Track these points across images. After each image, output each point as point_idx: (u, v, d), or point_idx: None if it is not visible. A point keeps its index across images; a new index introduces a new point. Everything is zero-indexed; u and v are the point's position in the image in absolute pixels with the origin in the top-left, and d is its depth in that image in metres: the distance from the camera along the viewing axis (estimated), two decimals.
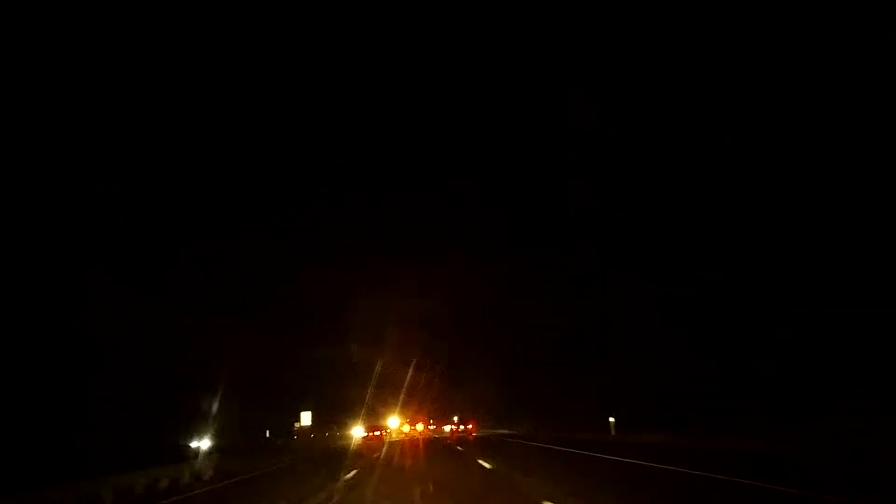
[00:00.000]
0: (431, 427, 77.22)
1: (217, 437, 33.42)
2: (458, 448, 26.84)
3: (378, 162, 39.78)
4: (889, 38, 17.27)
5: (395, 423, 65.46)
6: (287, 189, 43.82)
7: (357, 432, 55.27)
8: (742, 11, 20.49)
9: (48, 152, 25.43)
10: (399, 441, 48.33)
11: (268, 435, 47.67)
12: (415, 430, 69.67)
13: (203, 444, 29.33)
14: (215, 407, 30.53)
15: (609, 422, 26.53)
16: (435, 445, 33.26)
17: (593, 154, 29.52)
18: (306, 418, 48.82)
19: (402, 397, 60.95)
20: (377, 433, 56.05)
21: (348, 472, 16.16)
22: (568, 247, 37.62)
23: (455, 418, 67.02)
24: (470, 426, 60.74)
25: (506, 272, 49.46)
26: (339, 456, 26.90)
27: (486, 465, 16.40)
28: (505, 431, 56.86)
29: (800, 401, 18.95)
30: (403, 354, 54.68)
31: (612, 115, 27.69)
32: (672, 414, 25.29)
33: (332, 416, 64.24)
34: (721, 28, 21.48)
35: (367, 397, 50.22)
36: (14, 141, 24.18)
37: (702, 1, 21.25)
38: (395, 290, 56.05)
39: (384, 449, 31.32)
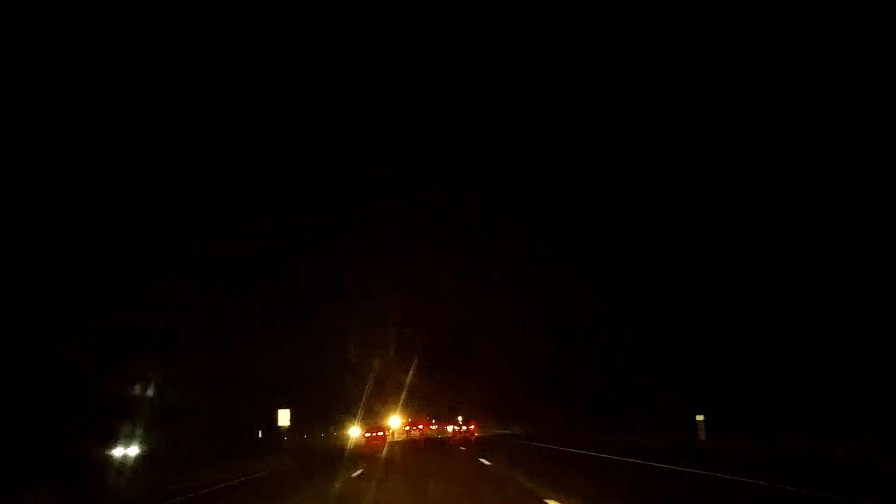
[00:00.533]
0: (433, 427, 77.19)
1: (205, 440, 31.93)
2: (484, 462, 17.57)
3: (378, 162, 39.79)
4: (889, 38, 17.27)
5: (396, 423, 65.38)
6: (288, 189, 43.85)
7: (354, 432, 54.23)
8: (742, 12, 20.49)
9: (49, 153, 25.62)
10: (400, 441, 48.13)
11: (260, 435, 46.19)
12: (416, 430, 69.62)
13: (131, 451, 23.09)
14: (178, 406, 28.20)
15: (697, 421, 20.02)
16: (441, 450, 27.69)
17: (593, 154, 29.52)
18: (284, 417, 41.93)
19: (402, 397, 60.91)
20: (380, 433, 55.93)
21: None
22: (568, 246, 37.65)
23: (459, 418, 66.75)
24: (472, 426, 60.69)
25: (507, 271, 49.53)
26: (332, 460, 23.39)
27: None
28: (508, 431, 56.72)
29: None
30: (404, 354, 54.78)
31: (612, 115, 27.74)
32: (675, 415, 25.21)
33: (331, 416, 63.45)
34: (722, 29, 21.48)
35: (364, 397, 49.20)
36: (15, 142, 24.33)
37: (702, 1, 21.24)
38: (396, 290, 56.11)
39: (384, 451, 29.29)
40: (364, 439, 53.12)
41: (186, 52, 27.48)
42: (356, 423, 56.53)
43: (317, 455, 30.59)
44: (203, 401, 32.31)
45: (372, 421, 63.73)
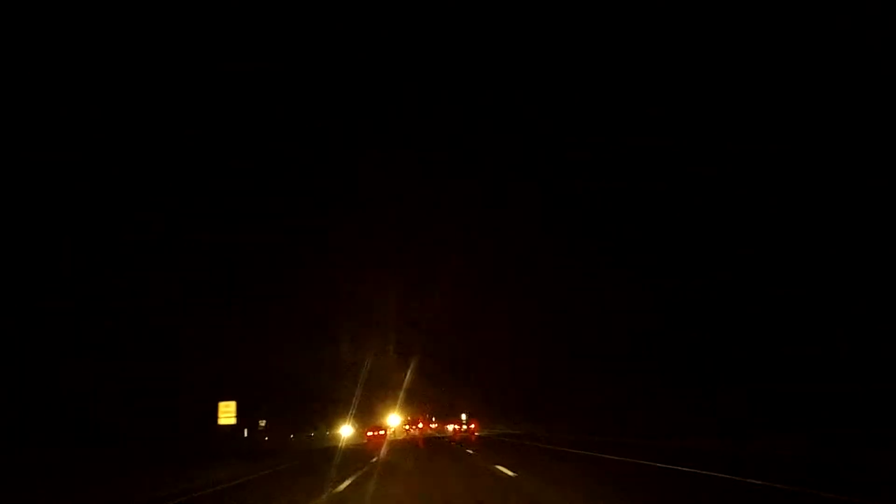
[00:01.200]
0: (433, 426, 77.05)
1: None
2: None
3: (378, 162, 39.78)
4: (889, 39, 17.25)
5: (395, 422, 65.01)
6: (288, 189, 43.85)
7: (346, 431, 52.45)
8: (742, 11, 20.48)
9: (52, 153, 25.76)
10: (399, 440, 47.99)
11: (245, 435, 41.24)
12: (416, 429, 69.36)
13: None
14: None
15: None
16: (450, 457, 21.16)
17: (593, 154, 29.49)
18: (228, 412, 29.28)
19: (401, 396, 60.63)
20: (382, 432, 56.12)
21: None
22: (571, 245, 37.65)
23: (463, 416, 65.91)
24: (472, 426, 60.50)
25: (510, 270, 49.54)
26: (309, 473, 18.31)
27: None
28: (509, 431, 56.51)
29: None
30: (405, 353, 54.77)
31: (612, 114, 27.76)
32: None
33: (324, 414, 61.69)
34: (722, 29, 21.47)
35: (355, 397, 46.98)
36: (17, 141, 24.41)
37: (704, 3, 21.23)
38: (396, 289, 56.05)
39: (382, 451, 26.60)
40: (366, 438, 53.31)
41: (186, 53, 27.48)
42: (348, 421, 54.44)
43: (296, 460, 24.55)
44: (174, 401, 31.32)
45: (371, 420, 63.70)
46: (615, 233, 32.19)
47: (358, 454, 26.64)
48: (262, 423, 41.89)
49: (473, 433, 56.02)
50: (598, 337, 36.62)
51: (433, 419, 79.28)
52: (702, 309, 25.73)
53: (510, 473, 13.21)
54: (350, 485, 12.57)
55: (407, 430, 67.78)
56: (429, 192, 43.06)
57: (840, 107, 19.27)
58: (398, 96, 35.38)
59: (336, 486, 12.27)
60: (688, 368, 26.12)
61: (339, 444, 40.92)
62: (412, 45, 32.09)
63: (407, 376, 55.99)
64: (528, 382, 53.34)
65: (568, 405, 43.69)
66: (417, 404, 74.80)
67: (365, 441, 49.99)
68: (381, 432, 55.95)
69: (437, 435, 65.69)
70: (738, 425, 20.26)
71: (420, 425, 71.77)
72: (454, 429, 63.37)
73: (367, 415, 72.38)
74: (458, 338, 66.24)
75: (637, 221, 29.72)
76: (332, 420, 61.54)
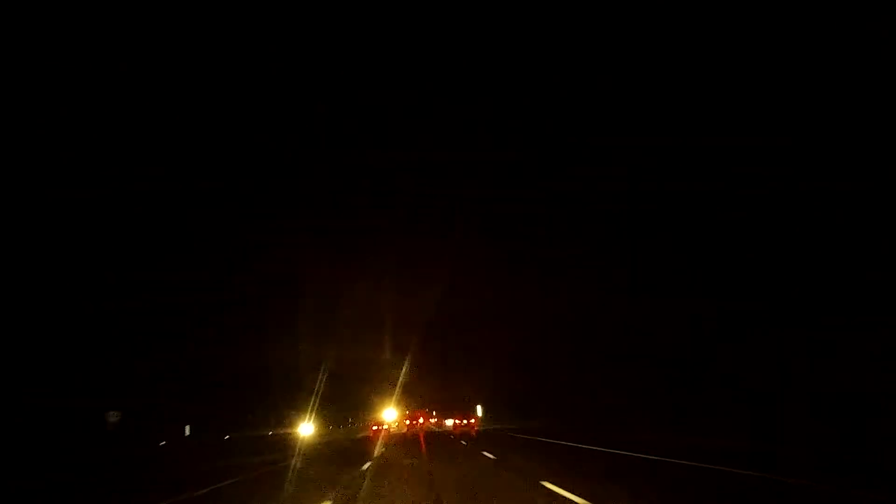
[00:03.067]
0: (433, 420, 77.04)
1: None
2: None
3: (376, 159, 39.71)
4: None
5: (391, 416, 64.25)
6: (285, 187, 43.76)
7: (306, 430, 43.92)
8: (744, 14, 20.44)
9: (55, 151, 25.74)
10: (398, 437, 47.72)
11: (188, 433, 34.02)
12: (416, 423, 68.61)
13: None
14: None
15: None
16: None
17: (593, 153, 29.52)
18: None
19: (398, 390, 60.36)
20: (385, 427, 56.34)
21: None
22: (571, 243, 37.72)
23: (479, 408, 64.86)
24: (472, 420, 60.54)
25: (507, 261, 49.59)
26: None
27: None
28: (508, 426, 56.66)
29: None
30: (402, 347, 54.89)
31: (613, 113, 27.78)
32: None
33: (283, 409, 56.07)
34: (722, 28, 21.44)
35: (317, 387, 39.40)
36: (18, 142, 24.38)
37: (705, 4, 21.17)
38: (393, 281, 56.00)
39: (376, 450, 23.91)
40: (371, 432, 53.31)
41: (185, 52, 27.34)
42: (308, 418, 44.52)
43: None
44: None
45: (368, 415, 63.92)
46: (616, 232, 32.31)
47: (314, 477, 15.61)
48: (115, 415, 28.77)
49: (474, 427, 56.10)
50: (598, 335, 36.79)
51: (433, 413, 79.29)
52: (701, 308, 25.86)
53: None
54: None
55: (407, 424, 67.28)
56: (429, 192, 43.00)
57: (851, 103, 19.22)
58: (398, 96, 35.29)
59: None
60: (686, 369, 26.29)
61: (297, 449, 27.67)
62: (412, 45, 32.00)
63: (403, 370, 55.96)
64: (526, 379, 53.55)
65: (566, 402, 43.93)
66: (416, 398, 74.84)
67: (361, 437, 49.66)
68: (385, 427, 56.30)
69: (436, 429, 65.75)
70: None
71: (420, 420, 71.22)
72: (455, 423, 63.24)
73: (361, 410, 72.32)
74: (463, 332, 66.46)
75: (639, 222, 29.83)
76: (296, 417, 49.88)
